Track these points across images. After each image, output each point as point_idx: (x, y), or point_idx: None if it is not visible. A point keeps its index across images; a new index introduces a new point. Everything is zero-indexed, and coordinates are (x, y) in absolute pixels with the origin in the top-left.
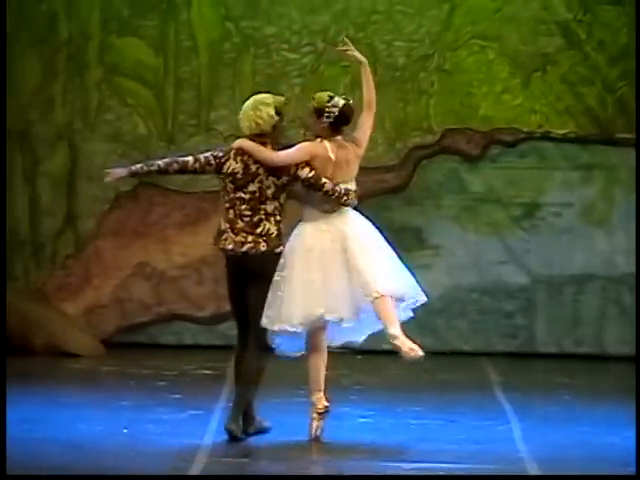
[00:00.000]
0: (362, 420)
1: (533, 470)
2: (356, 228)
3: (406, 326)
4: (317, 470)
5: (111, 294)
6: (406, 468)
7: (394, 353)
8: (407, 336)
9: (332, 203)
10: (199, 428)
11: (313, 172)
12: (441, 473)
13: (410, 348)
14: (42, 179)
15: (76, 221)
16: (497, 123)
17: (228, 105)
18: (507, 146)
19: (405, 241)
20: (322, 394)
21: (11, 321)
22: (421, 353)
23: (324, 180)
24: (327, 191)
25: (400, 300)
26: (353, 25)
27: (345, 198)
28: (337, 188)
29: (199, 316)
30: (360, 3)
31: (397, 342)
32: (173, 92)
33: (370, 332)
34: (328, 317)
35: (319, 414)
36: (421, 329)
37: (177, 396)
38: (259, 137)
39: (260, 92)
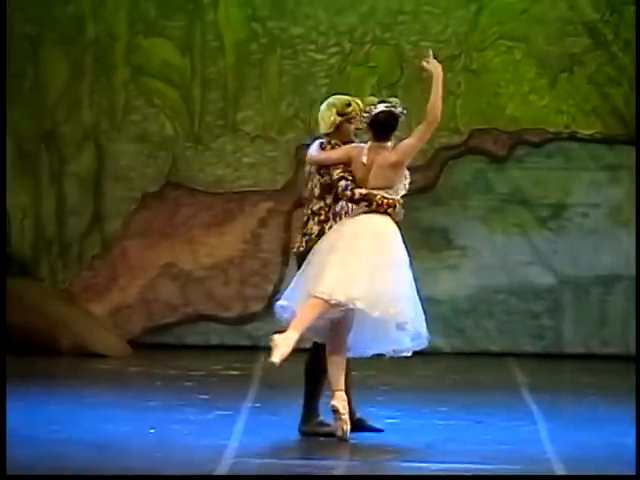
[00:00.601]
0: (389, 421)
1: (560, 471)
2: (355, 230)
3: (433, 327)
4: (342, 470)
5: (138, 294)
6: (433, 469)
7: (421, 354)
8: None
9: (359, 206)
10: (226, 428)
11: (343, 174)
12: (468, 474)
13: (273, 353)
14: (69, 179)
15: (103, 221)
16: (524, 124)
17: (254, 106)
18: (534, 146)
19: (432, 241)
20: (336, 393)
21: (37, 321)
22: (275, 360)
23: (341, 183)
24: (338, 193)
25: (344, 306)
26: (380, 26)
27: (367, 204)
28: (348, 192)
29: (225, 317)
30: (387, 3)
31: (271, 342)
32: (200, 92)
33: (388, 349)
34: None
35: (333, 413)
36: (448, 329)
37: (204, 396)
38: (327, 137)
39: (340, 93)
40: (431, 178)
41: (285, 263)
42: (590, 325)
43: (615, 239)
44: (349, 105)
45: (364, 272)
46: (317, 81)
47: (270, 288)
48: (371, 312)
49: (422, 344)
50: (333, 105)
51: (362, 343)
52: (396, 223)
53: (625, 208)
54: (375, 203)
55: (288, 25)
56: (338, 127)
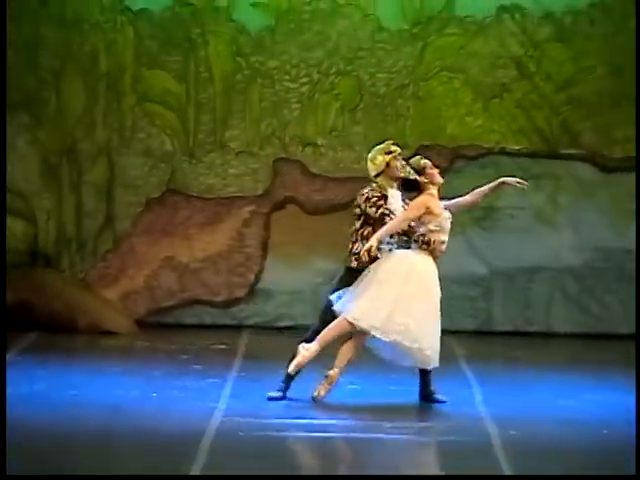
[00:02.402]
0: (351, 387)
1: (491, 428)
2: (392, 265)
3: None
4: (306, 426)
5: (143, 283)
6: (386, 426)
7: None
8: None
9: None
10: (215, 393)
11: (383, 210)
12: (415, 429)
13: (291, 364)
14: (86, 187)
15: (114, 222)
16: (462, 141)
17: (239, 126)
18: (470, 160)
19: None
20: (336, 369)
21: (59, 305)
22: (289, 370)
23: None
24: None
25: (366, 332)
26: (343, 60)
27: (406, 238)
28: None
29: (216, 301)
30: (348, 41)
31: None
32: (194, 115)
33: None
34: None
35: (324, 378)
36: None
37: (198, 367)
38: (377, 177)
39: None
40: None
41: (264, 257)
42: (516, 307)
43: (538, 236)
44: (394, 144)
45: (388, 304)
46: (290, 106)
47: (252, 277)
48: (385, 338)
49: (431, 364)
50: (380, 149)
51: (396, 356)
52: (434, 259)
53: (546, 210)
54: (410, 236)
55: (266, 59)
56: (388, 165)
